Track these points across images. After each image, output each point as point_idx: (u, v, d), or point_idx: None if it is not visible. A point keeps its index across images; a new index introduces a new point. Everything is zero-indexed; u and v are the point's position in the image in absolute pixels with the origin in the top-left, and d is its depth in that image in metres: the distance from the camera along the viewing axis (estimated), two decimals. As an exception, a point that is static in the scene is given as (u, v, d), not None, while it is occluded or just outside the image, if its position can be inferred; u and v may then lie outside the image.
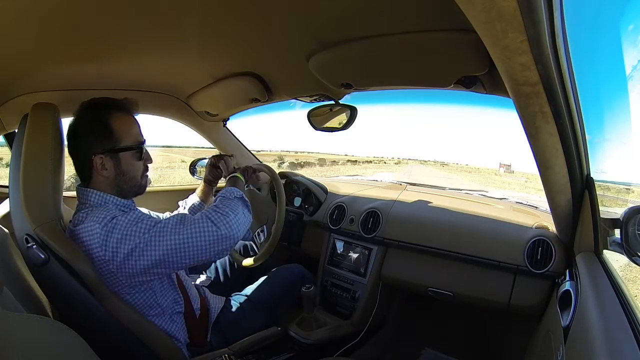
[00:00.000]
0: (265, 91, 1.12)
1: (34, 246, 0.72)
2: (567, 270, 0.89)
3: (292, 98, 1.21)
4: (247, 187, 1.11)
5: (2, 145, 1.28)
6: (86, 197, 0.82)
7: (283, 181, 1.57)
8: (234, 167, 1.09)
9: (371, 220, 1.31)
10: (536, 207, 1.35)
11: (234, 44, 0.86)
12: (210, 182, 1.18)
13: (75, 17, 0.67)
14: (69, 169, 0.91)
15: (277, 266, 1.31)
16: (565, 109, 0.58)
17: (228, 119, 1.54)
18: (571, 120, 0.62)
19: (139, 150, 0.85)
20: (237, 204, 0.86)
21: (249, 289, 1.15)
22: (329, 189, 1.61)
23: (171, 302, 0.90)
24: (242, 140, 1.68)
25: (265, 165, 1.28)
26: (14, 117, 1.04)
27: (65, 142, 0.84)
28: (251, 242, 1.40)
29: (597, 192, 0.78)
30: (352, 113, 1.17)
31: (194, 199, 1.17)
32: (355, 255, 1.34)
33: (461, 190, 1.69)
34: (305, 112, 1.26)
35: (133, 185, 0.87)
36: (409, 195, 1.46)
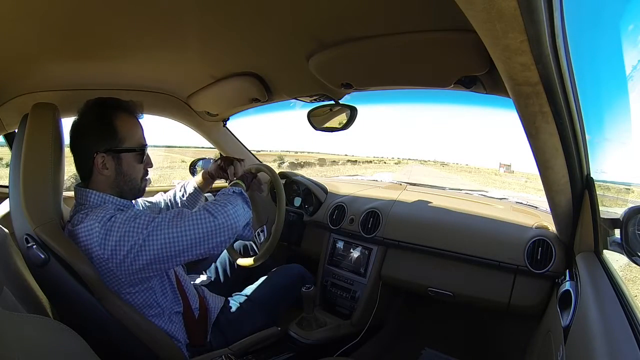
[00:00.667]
0: (265, 91, 1.12)
1: (34, 246, 0.72)
2: (567, 270, 0.89)
3: (292, 98, 1.21)
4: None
5: (2, 145, 1.27)
6: (85, 198, 0.82)
7: (283, 181, 1.57)
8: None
9: (371, 220, 1.31)
10: (536, 207, 1.35)
11: (234, 44, 0.86)
12: (211, 176, 1.17)
13: (76, 17, 0.67)
14: (69, 169, 0.91)
15: (277, 266, 1.31)
16: (565, 109, 0.58)
17: (228, 119, 1.54)
18: (571, 120, 0.62)
19: (140, 152, 0.85)
20: (235, 198, 0.86)
21: (249, 289, 1.15)
22: (329, 189, 1.61)
23: (170, 301, 0.90)
24: (242, 140, 1.68)
25: (265, 165, 1.28)
26: (14, 117, 1.04)
27: (66, 142, 0.84)
28: (251, 242, 1.40)
29: (597, 192, 0.78)
30: (352, 113, 1.17)
31: (191, 186, 1.17)
32: (355, 255, 1.34)
33: (461, 190, 1.70)
34: (305, 112, 1.26)
35: (132, 187, 0.87)
36: (409, 195, 1.46)
